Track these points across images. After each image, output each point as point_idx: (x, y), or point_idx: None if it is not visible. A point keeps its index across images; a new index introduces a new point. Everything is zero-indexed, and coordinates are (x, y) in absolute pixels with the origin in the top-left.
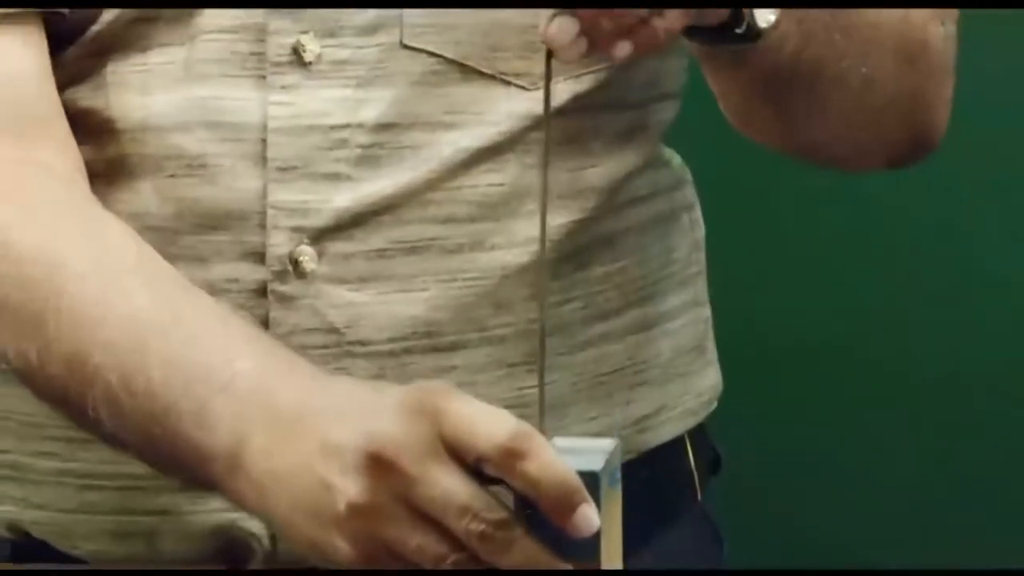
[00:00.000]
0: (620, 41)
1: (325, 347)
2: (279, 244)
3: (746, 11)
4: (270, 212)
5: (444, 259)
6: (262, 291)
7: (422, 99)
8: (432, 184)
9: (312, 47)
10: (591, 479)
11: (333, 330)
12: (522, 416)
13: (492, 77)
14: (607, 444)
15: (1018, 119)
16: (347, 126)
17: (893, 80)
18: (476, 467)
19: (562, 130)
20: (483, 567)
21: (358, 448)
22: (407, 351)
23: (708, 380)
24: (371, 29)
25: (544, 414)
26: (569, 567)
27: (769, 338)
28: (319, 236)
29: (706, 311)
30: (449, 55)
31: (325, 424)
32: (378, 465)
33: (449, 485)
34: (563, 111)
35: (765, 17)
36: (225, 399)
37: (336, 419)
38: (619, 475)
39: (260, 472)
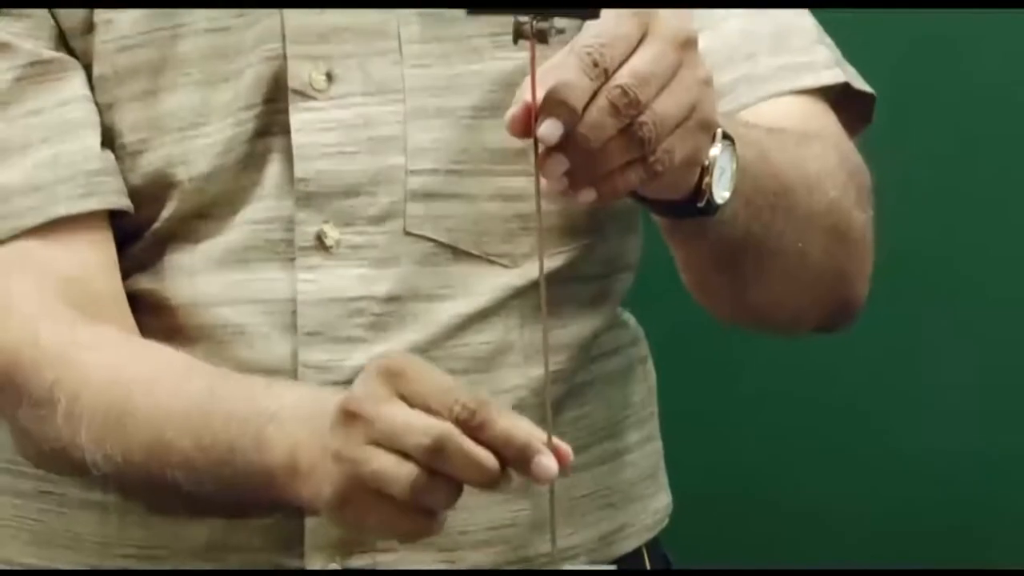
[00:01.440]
0: (588, 188)
1: None
2: None
3: (705, 188)
4: (300, 369)
5: None
6: None
7: (423, 276)
8: (432, 344)
9: (333, 234)
10: None
11: None
12: (512, 534)
13: (479, 258)
14: (608, 568)
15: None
16: (362, 298)
17: (823, 255)
18: None
19: (538, 298)
20: (444, 480)
21: (336, 407)
22: None
23: (661, 502)
24: (380, 219)
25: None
26: (539, 444)
27: (713, 465)
28: (342, 388)
29: (658, 444)
30: (444, 240)
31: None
32: (347, 416)
33: (405, 415)
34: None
35: (721, 194)
36: (275, 425)
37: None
38: None
39: (310, 471)
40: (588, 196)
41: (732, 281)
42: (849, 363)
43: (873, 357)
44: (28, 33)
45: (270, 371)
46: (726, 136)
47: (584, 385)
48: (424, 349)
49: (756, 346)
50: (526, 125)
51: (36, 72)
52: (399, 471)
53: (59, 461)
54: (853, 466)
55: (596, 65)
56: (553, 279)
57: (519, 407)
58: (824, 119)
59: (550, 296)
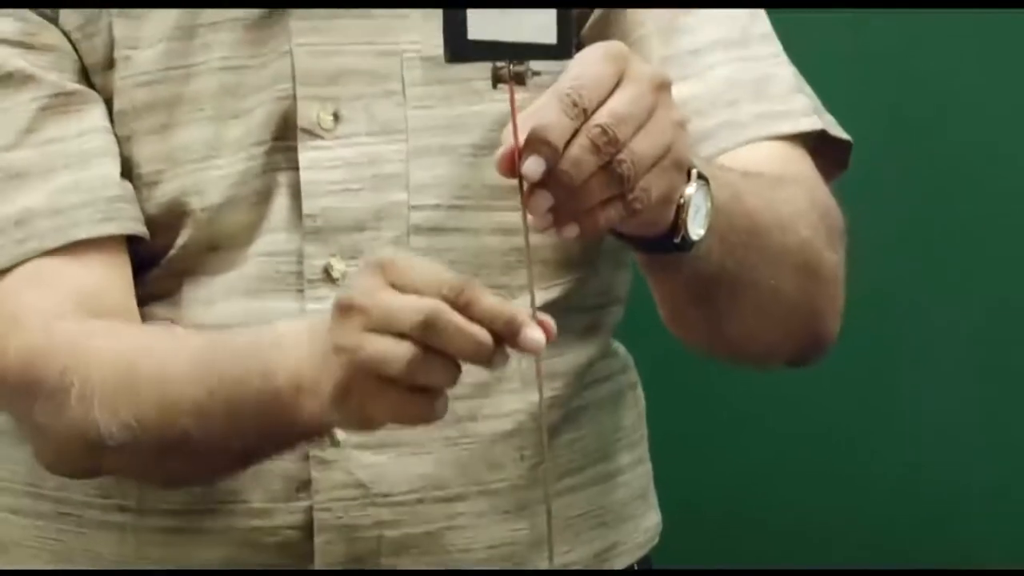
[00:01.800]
0: (571, 224)
1: (354, 499)
2: None
3: (681, 225)
4: None
5: (447, 428)
6: (305, 457)
7: None
8: None
9: (339, 267)
10: None
11: (361, 485)
12: (512, 552)
13: None
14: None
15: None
16: None
17: (795, 291)
18: None
19: None
20: (440, 358)
21: (332, 307)
22: (420, 501)
23: (651, 521)
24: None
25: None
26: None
27: (701, 485)
28: None
29: (648, 466)
30: None
31: None
32: (343, 310)
33: (397, 299)
34: (538, 312)
35: (696, 231)
36: (277, 350)
37: None
38: None
39: (314, 384)
40: (571, 232)
41: (707, 315)
42: (831, 384)
43: (854, 378)
44: (52, 66)
45: None
46: (701, 176)
47: (578, 410)
48: None
49: (741, 371)
50: (512, 164)
51: (59, 103)
52: (396, 351)
53: (75, 450)
54: (837, 482)
55: (576, 105)
56: (549, 309)
57: (518, 430)
58: (801, 164)
59: None
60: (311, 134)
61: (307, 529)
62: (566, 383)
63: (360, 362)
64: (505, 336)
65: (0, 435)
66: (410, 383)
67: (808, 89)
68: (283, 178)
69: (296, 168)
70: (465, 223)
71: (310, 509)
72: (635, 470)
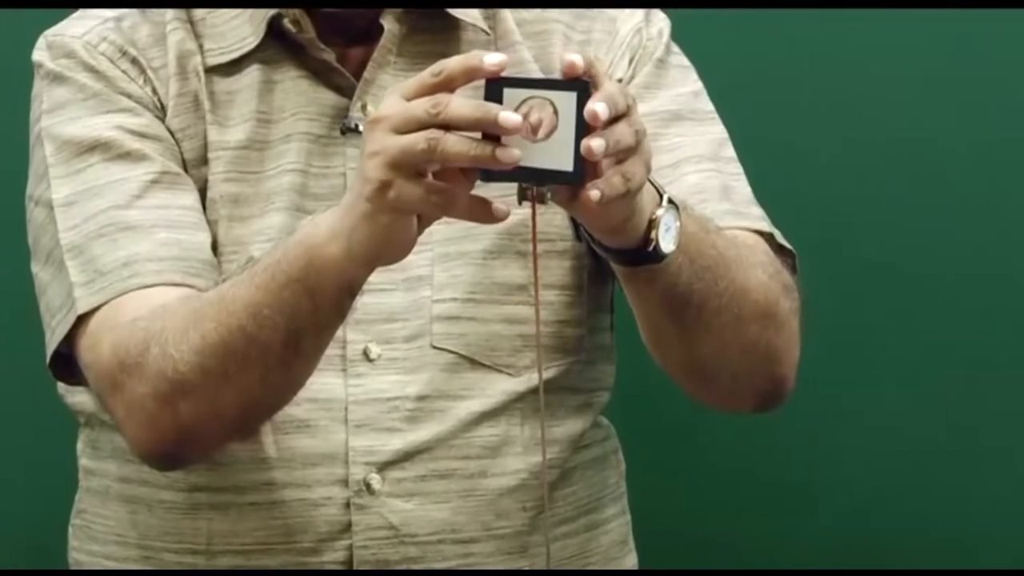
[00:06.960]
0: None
1: (387, 538)
2: (357, 473)
3: (653, 239)
4: (351, 453)
5: (462, 482)
6: (346, 504)
7: (446, 381)
8: (453, 435)
9: (376, 350)
10: None
11: (392, 527)
12: None
13: (490, 367)
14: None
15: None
16: (398, 398)
17: (756, 327)
18: None
19: (536, 401)
20: (450, 137)
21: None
22: (440, 541)
23: (630, 562)
24: (412, 338)
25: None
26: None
27: (676, 531)
28: (383, 467)
29: (628, 517)
30: (463, 352)
31: None
32: (371, 124)
33: (406, 102)
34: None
35: (667, 246)
36: (311, 223)
37: None
38: None
39: (352, 223)
40: (595, 194)
41: (680, 334)
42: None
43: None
44: (161, 153)
45: (328, 454)
46: (671, 201)
47: (571, 471)
48: (445, 439)
49: (709, 438)
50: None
51: (166, 179)
52: (418, 136)
53: (158, 406)
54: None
55: (626, 97)
56: (550, 388)
57: (521, 486)
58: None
59: (548, 400)
60: None
61: (349, 564)
62: (562, 448)
63: (392, 157)
64: (475, 74)
65: (91, 494)
66: (438, 161)
67: (758, 204)
68: None
69: None
70: (478, 314)
71: (351, 547)
72: (618, 520)
